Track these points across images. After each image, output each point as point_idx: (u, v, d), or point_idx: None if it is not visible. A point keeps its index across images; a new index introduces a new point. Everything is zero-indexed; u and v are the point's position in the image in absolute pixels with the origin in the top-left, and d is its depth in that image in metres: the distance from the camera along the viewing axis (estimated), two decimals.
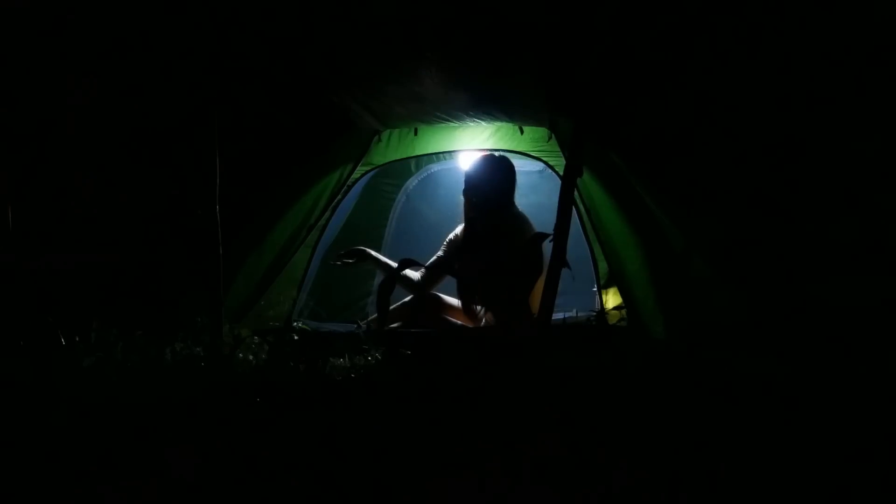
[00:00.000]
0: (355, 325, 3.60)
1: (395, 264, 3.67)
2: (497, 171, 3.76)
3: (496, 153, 3.83)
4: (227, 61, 3.18)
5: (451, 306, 3.80)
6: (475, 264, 3.68)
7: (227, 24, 3.10)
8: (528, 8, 2.95)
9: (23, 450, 2.16)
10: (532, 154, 3.87)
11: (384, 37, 3.10)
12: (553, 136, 3.75)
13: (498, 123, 3.85)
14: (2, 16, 3.25)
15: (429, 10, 2.97)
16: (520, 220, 3.70)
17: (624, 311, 3.45)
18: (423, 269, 3.85)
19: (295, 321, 3.72)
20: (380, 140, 3.98)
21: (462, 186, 3.85)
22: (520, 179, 3.90)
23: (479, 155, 3.86)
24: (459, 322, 3.71)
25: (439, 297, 3.83)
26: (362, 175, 4.01)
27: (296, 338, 3.21)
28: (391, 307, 3.59)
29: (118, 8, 3.23)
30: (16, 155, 3.38)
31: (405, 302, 3.81)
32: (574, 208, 3.22)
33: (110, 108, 3.48)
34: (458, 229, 3.94)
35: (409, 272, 3.81)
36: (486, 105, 3.55)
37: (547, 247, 3.16)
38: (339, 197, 3.91)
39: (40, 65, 3.36)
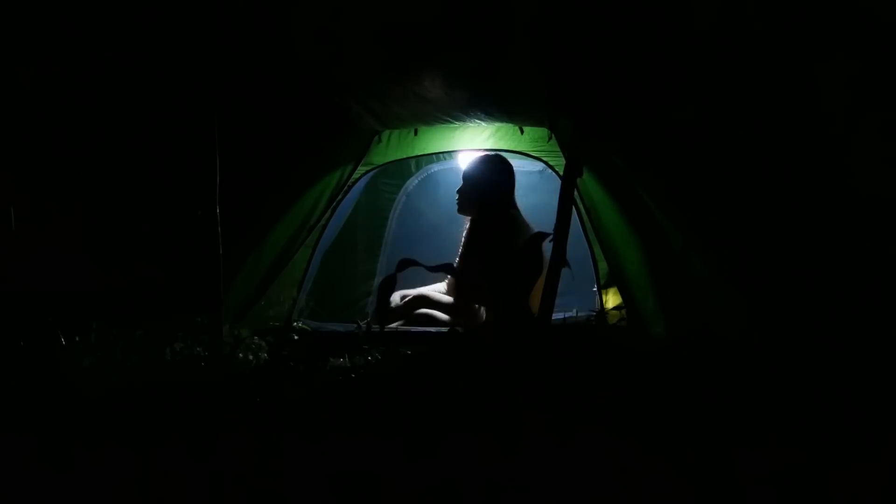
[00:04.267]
0: (355, 325, 3.60)
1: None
2: (493, 170, 3.77)
3: (493, 153, 3.84)
4: (228, 62, 3.18)
5: (441, 303, 3.84)
6: (473, 264, 3.70)
7: (227, 25, 3.10)
8: (529, 8, 2.95)
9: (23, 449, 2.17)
10: (532, 154, 3.87)
11: (385, 37, 3.10)
12: (553, 136, 3.75)
13: (498, 123, 3.85)
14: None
15: (430, 10, 2.97)
16: (515, 222, 3.69)
17: (624, 311, 3.45)
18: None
19: (295, 321, 3.72)
20: (380, 140, 3.97)
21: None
22: (520, 179, 3.90)
23: (477, 154, 3.87)
24: (447, 318, 3.75)
25: (426, 296, 3.88)
26: (362, 175, 4.01)
27: (296, 338, 3.21)
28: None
29: (118, 9, 3.24)
30: (17, 155, 3.39)
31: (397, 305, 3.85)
32: (574, 208, 3.22)
33: (110, 107, 3.48)
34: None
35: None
36: (487, 105, 3.55)
37: (547, 247, 3.16)
38: (340, 197, 3.91)
39: (42, 65, 3.36)
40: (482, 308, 3.78)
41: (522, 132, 3.84)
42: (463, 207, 3.90)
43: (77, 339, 2.86)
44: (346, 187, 3.92)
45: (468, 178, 3.83)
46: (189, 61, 3.26)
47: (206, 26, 3.11)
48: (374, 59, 3.24)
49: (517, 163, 3.88)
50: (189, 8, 3.13)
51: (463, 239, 4.00)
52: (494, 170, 3.78)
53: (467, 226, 3.97)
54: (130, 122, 3.50)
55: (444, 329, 3.56)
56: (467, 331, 3.57)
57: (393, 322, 3.67)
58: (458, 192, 3.88)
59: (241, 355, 2.93)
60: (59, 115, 3.46)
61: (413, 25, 3.03)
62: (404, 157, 4.07)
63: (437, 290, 4.07)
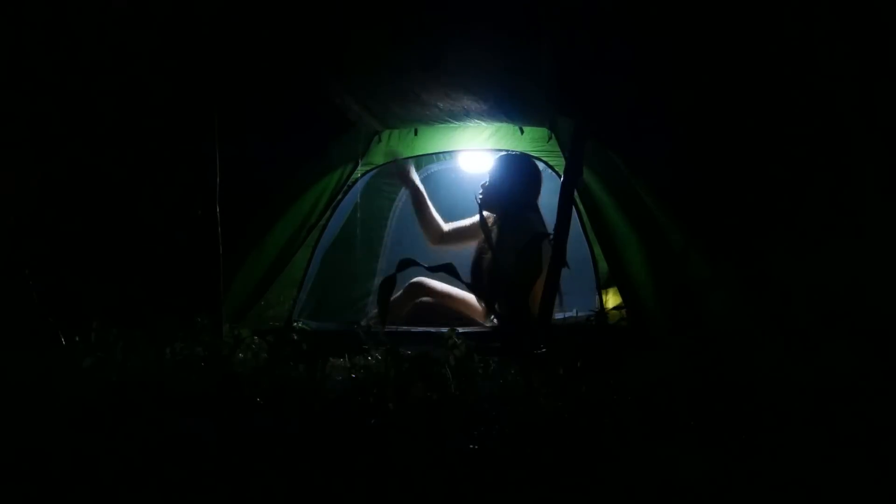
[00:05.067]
0: (355, 325, 3.60)
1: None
2: (515, 171, 3.79)
3: (521, 153, 3.84)
4: (228, 61, 3.18)
5: (441, 294, 3.86)
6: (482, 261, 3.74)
7: (227, 24, 3.10)
8: (530, 9, 2.95)
9: (22, 451, 2.16)
10: (533, 154, 3.87)
11: (385, 37, 3.10)
12: (553, 136, 3.75)
13: (498, 123, 3.85)
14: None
15: (430, 9, 2.97)
16: (527, 223, 3.70)
17: (624, 311, 3.45)
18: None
19: (295, 321, 3.72)
20: (380, 140, 3.98)
21: (463, 186, 3.90)
22: None
23: (507, 153, 3.89)
24: (449, 308, 3.77)
25: (424, 285, 3.90)
26: (362, 175, 4.01)
27: (296, 338, 3.21)
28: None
29: (116, 9, 3.24)
30: (16, 155, 3.38)
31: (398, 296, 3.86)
32: (574, 208, 3.22)
33: (110, 107, 3.48)
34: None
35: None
36: (488, 105, 3.55)
37: (547, 247, 3.17)
38: (340, 197, 3.91)
39: (39, 63, 3.36)
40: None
41: (522, 132, 3.85)
42: (485, 203, 3.91)
43: (77, 339, 2.86)
44: (346, 187, 3.92)
45: (492, 174, 3.84)
46: (190, 60, 3.26)
47: (208, 25, 3.11)
48: (375, 60, 3.24)
49: None
50: (190, 6, 3.13)
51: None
52: (516, 170, 3.80)
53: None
54: (130, 121, 3.50)
55: (444, 329, 3.56)
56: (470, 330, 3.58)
57: (394, 314, 3.68)
58: (482, 186, 3.88)
59: (241, 355, 2.93)
60: (58, 114, 3.45)
61: (413, 25, 3.03)
62: (404, 157, 4.07)
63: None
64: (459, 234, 4.08)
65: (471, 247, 4.03)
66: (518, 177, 3.79)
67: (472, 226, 4.05)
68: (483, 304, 3.84)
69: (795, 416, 2.30)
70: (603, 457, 2.04)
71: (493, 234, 3.82)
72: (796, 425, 2.24)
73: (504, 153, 3.89)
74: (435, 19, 2.96)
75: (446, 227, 4.09)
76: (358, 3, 2.98)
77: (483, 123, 3.82)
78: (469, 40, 3.05)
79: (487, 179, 3.87)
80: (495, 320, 3.74)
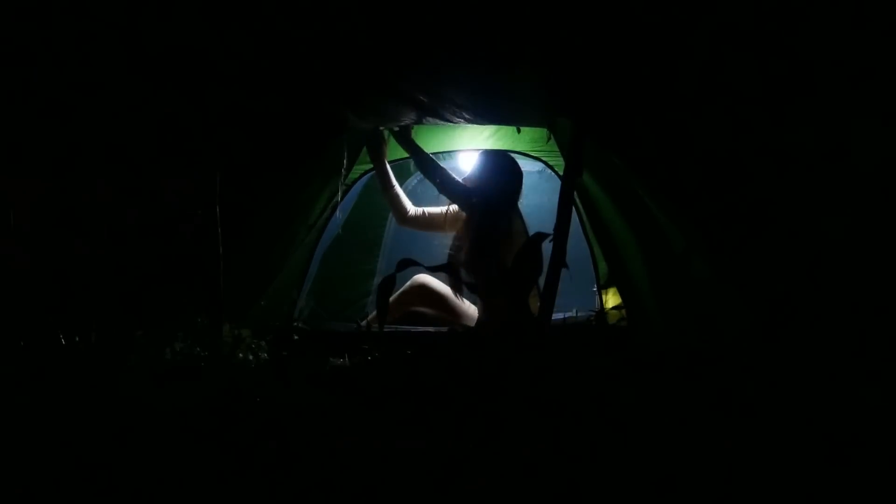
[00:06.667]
0: (355, 325, 3.61)
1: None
2: (497, 169, 3.77)
3: (505, 153, 3.83)
4: (226, 63, 3.18)
5: (439, 299, 3.85)
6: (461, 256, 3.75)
7: (225, 26, 3.10)
8: (530, 8, 2.95)
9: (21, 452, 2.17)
10: (532, 154, 3.87)
11: (383, 39, 3.09)
12: (552, 136, 3.75)
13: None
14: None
15: (429, 10, 2.97)
16: (509, 223, 3.69)
17: (624, 311, 3.45)
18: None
19: (295, 321, 3.72)
20: None
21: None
22: None
23: (482, 151, 3.87)
24: (435, 313, 3.77)
25: (426, 287, 3.89)
26: (361, 175, 4.00)
27: (296, 338, 3.21)
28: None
29: (117, 9, 3.23)
30: (16, 155, 3.38)
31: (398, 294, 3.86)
32: (574, 208, 3.22)
33: (110, 106, 3.48)
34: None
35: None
36: (487, 106, 3.54)
37: (547, 247, 3.16)
38: (339, 196, 3.91)
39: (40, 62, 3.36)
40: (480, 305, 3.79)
41: (519, 131, 3.84)
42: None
43: (77, 339, 2.86)
44: (345, 187, 3.92)
45: (474, 169, 3.84)
46: (189, 61, 3.26)
47: (207, 26, 3.11)
48: (372, 61, 3.24)
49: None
50: (189, 9, 3.12)
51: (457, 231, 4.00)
52: (499, 169, 3.78)
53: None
54: (131, 121, 3.50)
55: (444, 329, 3.57)
56: (466, 331, 3.58)
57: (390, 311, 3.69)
58: (463, 181, 3.88)
59: (240, 355, 2.93)
60: (59, 112, 3.45)
61: (410, 27, 3.02)
62: (404, 157, 4.07)
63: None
64: (426, 221, 4.05)
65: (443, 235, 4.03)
66: (500, 174, 3.77)
67: (440, 215, 4.03)
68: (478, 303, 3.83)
69: (795, 417, 2.31)
70: None
71: (472, 229, 3.81)
72: (796, 427, 2.25)
73: (488, 150, 3.88)
74: (432, 22, 2.96)
75: (412, 210, 4.06)
76: (356, 12, 2.98)
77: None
78: (467, 41, 3.05)
79: (469, 174, 3.85)
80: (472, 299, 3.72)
